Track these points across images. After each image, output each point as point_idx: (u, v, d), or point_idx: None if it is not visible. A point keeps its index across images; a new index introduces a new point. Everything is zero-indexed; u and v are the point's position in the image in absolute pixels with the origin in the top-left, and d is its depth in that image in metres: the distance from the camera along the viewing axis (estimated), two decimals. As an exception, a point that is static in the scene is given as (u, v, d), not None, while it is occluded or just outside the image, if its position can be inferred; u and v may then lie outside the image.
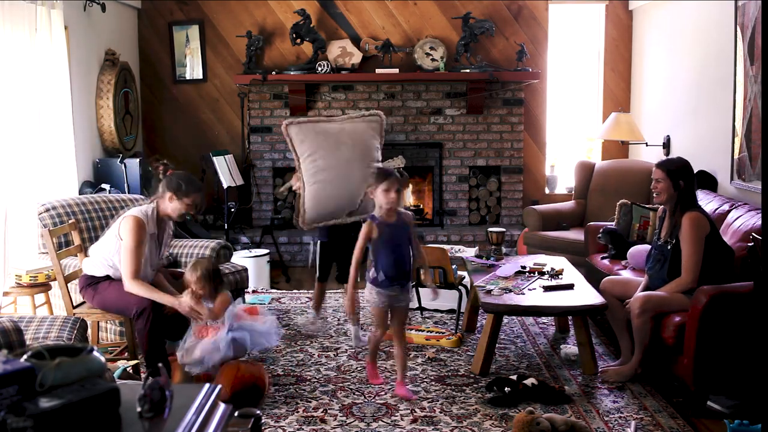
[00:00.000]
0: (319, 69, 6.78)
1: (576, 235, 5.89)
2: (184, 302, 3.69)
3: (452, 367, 4.12)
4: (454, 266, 4.72)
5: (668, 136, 6.23)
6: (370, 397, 3.71)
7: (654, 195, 3.97)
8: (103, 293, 3.85)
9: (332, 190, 4.55)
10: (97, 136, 6.09)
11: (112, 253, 3.83)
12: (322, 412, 3.53)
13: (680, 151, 5.98)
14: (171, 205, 3.85)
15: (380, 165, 4.87)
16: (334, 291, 5.81)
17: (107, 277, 3.89)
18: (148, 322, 3.67)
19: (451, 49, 6.99)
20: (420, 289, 4.99)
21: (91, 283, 3.91)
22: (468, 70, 6.83)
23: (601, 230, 5.08)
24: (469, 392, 3.76)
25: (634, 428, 3.26)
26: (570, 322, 4.53)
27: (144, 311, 3.67)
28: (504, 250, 5.03)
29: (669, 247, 3.85)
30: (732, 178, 4.98)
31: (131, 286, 3.72)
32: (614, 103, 7.06)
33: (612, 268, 4.79)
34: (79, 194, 5.33)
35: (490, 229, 5.03)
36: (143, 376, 3.86)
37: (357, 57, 6.95)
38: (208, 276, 3.73)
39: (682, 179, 3.86)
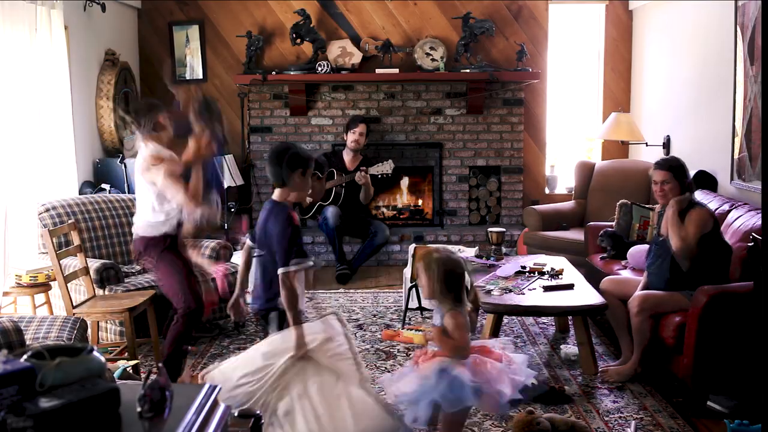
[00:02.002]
0: (319, 69, 6.78)
1: (576, 235, 5.89)
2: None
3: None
4: (454, 266, 4.71)
5: (668, 136, 6.23)
6: (370, 397, 3.71)
7: (659, 197, 3.95)
8: (163, 271, 3.74)
9: None
10: (97, 136, 6.09)
11: (153, 201, 3.71)
12: (322, 412, 3.53)
13: (680, 151, 5.98)
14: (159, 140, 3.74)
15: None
16: (334, 291, 5.82)
17: (164, 236, 3.74)
18: (181, 328, 3.65)
19: (451, 49, 6.99)
20: (420, 288, 4.98)
21: (152, 244, 3.74)
22: (468, 70, 6.83)
23: (600, 233, 5.08)
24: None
25: (634, 428, 3.26)
26: (570, 322, 4.53)
27: (184, 314, 3.63)
28: (504, 250, 5.02)
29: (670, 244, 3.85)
30: (732, 178, 4.98)
31: (194, 204, 3.55)
32: (614, 103, 7.06)
33: (612, 268, 4.79)
34: (79, 194, 5.32)
35: (490, 229, 5.03)
36: (143, 376, 3.87)
37: (357, 57, 6.95)
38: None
39: (687, 177, 3.88)
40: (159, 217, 3.73)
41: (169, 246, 3.75)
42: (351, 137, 6.39)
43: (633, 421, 3.38)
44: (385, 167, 6.32)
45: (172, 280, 3.73)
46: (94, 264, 4.33)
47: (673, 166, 3.90)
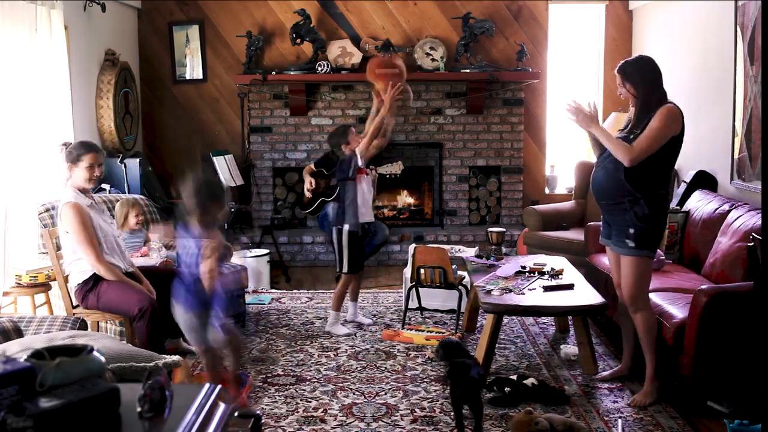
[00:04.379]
0: (319, 69, 6.78)
1: (576, 235, 5.89)
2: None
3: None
4: (454, 266, 4.72)
5: (668, 136, 6.22)
6: (370, 397, 3.71)
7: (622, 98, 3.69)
8: (106, 294, 3.86)
9: None
10: (97, 136, 6.09)
11: (75, 249, 3.85)
12: (322, 412, 3.53)
13: (680, 150, 5.97)
14: (76, 176, 3.87)
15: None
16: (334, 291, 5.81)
17: (96, 278, 3.88)
18: (149, 322, 3.68)
19: (451, 49, 6.99)
20: (420, 289, 4.98)
21: (89, 288, 3.90)
22: (468, 70, 6.83)
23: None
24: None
25: (621, 427, 3.27)
26: (570, 322, 4.53)
27: (145, 311, 3.68)
28: (504, 250, 5.02)
29: (632, 137, 3.55)
30: (732, 178, 4.98)
31: (99, 269, 3.77)
32: (614, 103, 7.06)
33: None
34: (79, 194, 5.32)
35: (490, 229, 5.02)
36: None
37: (357, 57, 6.95)
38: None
39: (644, 76, 3.57)
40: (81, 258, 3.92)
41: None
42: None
43: (619, 420, 3.38)
44: (395, 167, 6.32)
45: (112, 294, 3.83)
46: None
47: (625, 67, 3.59)
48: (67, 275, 4.01)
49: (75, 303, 4.03)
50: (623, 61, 3.68)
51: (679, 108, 3.57)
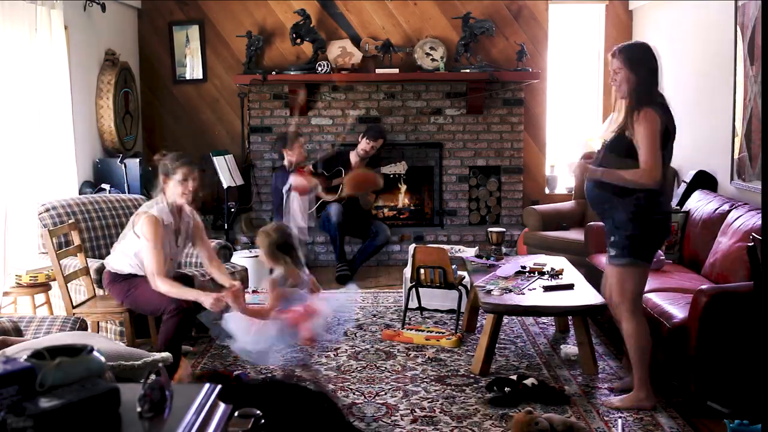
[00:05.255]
0: (319, 69, 6.78)
1: (576, 235, 5.89)
2: (213, 297, 3.58)
3: (452, 367, 4.12)
4: (454, 266, 4.72)
5: (668, 136, 6.22)
6: (370, 397, 3.71)
7: (614, 88, 3.46)
8: (137, 291, 3.83)
9: None
10: (97, 136, 6.09)
11: (135, 250, 3.82)
12: (322, 412, 3.53)
13: (680, 150, 5.95)
14: (171, 190, 3.80)
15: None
16: (335, 290, 5.81)
17: (132, 275, 3.87)
18: (177, 323, 3.67)
19: (451, 49, 6.99)
20: (420, 289, 4.98)
21: (120, 279, 3.88)
22: (468, 70, 6.83)
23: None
24: (469, 392, 3.76)
25: (621, 428, 3.27)
26: (570, 322, 4.53)
27: (179, 312, 3.67)
28: (504, 250, 5.02)
29: (627, 133, 3.37)
30: (732, 178, 4.98)
31: (160, 285, 3.67)
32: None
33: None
34: (79, 194, 5.33)
35: (490, 229, 5.03)
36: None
37: (357, 57, 6.95)
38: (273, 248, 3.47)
39: (643, 65, 3.36)
40: (134, 260, 3.93)
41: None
42: (365, 145, 6.26)
43: (619, 420, 3.38)
44: (399, 167, 6.33)
45: (144, 293, 3.79)
46: (94, 264, 4.33)
47: (630, 51, 3.38)
48: (81, 266, 4.05)
49: (75, 303, 4.03)
50: (627, 45, 3.45)
51: (655, 110, 3.36)
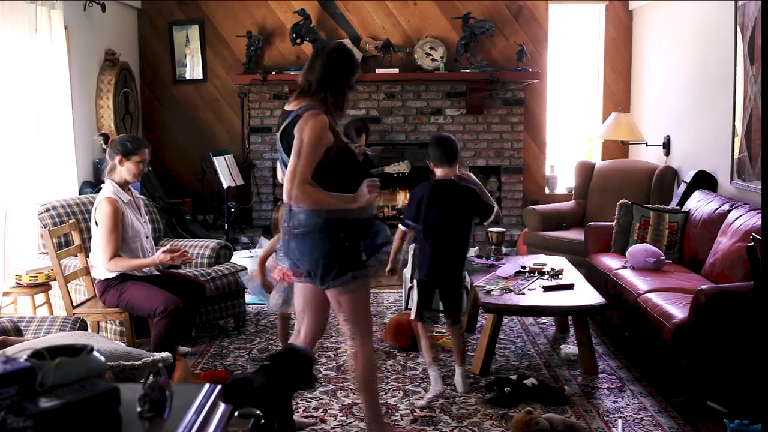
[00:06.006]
0: (319, 69, 6.77)
1: (576, 235, 5.89)
2: (160, 256, 3.78)
3: (452, 367, 4.12)
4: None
5: (668, 136, 6.23)
6: (370, 397, 3.71)
7: None
8: (130, 293, 3.84)
9: None
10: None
11: (98, 242, 3.85)
12: (322, 412, 3.53)
13: (680, 150, 5.98)
14: (124, 169, 3.88)
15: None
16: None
17: (119, 278, 3.88)
18: (169, 323, 3.68)
19: (451, 49, 6.99)
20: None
21: (112, 285, 3.89)
22: (468, 70, 6.83)
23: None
24: (469, 392, 3.76)
25: (621, 428, 3.27)
26: (570, 322, 4.53)
27: (169, 312, 3.68)
28: (504, 250, 5.02)
29: None
30: (732, 178, 4.98)
31: (112, 267, 3.78)
32: (614, 103, 7.06)
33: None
34: (79, 194, 5.33)
35: (490, 229, 5.02)
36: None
37: (357, 57, 6.94)
38: None
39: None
40: None
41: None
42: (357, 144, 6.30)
43: (619, 420, 3.38)
44: (402, 166, 6.32)
45: (137, 293, 3.83)
46: (94, 264, 4.33)
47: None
48: (80, 267, 4.05)
49: (75, 303, 4.03)
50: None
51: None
